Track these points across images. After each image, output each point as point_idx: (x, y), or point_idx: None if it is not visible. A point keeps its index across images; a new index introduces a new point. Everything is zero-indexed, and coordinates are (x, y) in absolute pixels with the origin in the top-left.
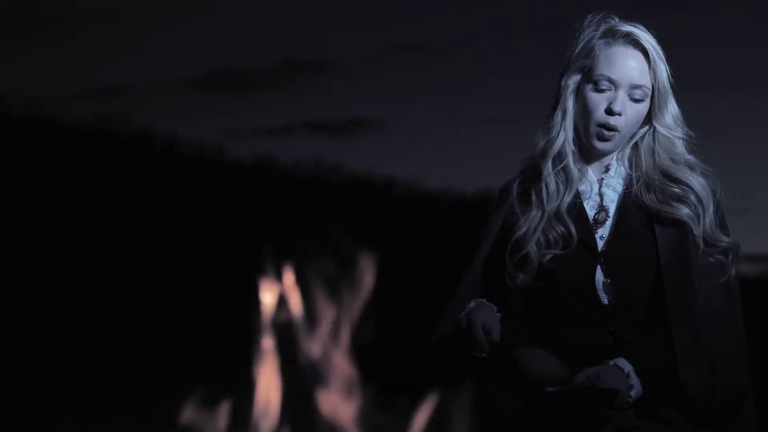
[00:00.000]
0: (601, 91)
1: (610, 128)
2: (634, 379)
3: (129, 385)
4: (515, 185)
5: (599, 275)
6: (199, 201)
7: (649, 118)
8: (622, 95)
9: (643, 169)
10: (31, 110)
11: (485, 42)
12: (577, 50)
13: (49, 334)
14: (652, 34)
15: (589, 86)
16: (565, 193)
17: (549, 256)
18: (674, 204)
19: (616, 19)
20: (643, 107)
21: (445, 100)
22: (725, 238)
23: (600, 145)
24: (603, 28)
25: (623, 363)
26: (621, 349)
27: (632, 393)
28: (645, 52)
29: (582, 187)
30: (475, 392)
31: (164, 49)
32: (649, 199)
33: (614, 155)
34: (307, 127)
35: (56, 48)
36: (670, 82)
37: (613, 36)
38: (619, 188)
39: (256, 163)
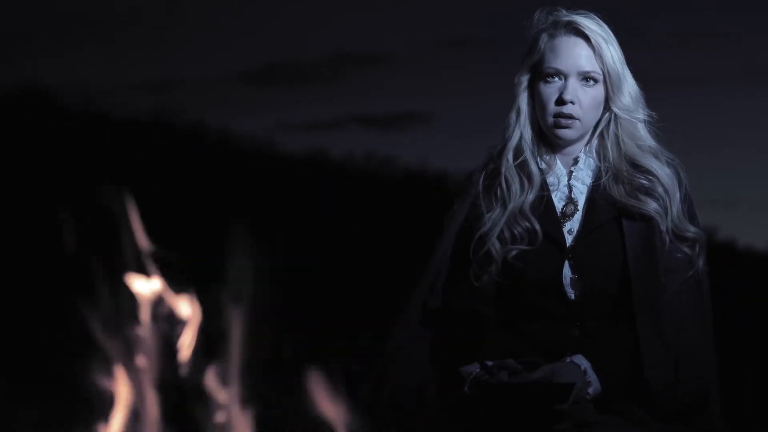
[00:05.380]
0: (552, 83)
1: (566, 116)
2: (592, 376)
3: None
4: (481, 177)
5: (567, 271)
6: (252, 194)
7: (608, 104)
8: (572, 83)
9: (611, 159)
10: (86, 104)
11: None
12: (525, 48)
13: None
14: (599, 17)
15: (540, 80)
16: (528, 190)
17: (514, 252)
18: (642, 198)
19: (563, 11)
20: (598, 92)
21: (496, 93)
22: (692, 228)
23: (561, 134)
24: (549, 21)
25: (580, 360)
26: (587, 344)
27: (590, 390)
28: (588, 39)
29: (550, 179)
30: (431, 388)
31: (218, 44)
32: (618, 191)
33: (582, 147)
34: (359, 121)
35: (111, 42)
36: (623, 63)
37: (555, 27)
38: (588, 181)
39: (308, 156)
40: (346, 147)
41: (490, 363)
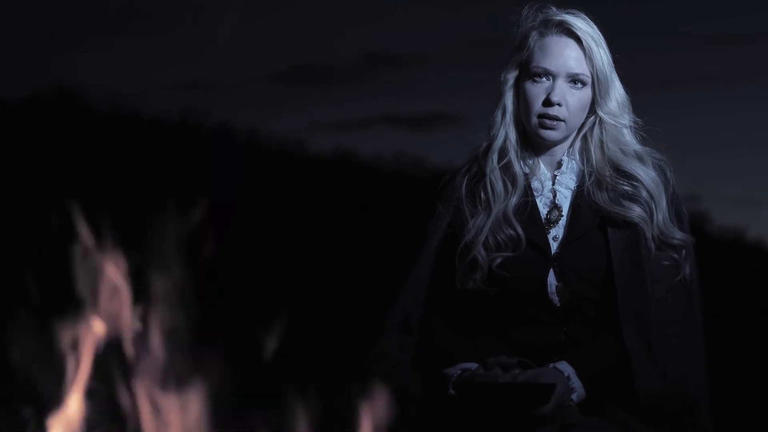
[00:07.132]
0: (539, 82)
1: (551, 118)
2: (576, 383)
3: None
4: (464, 182)
5: (552, 278)
6: (281, 194)
7: (594, 107)
8: (560, 84)
9: (594, 163)
10: (115, 104)
11: None
12: (514, 45)
13: None
14: (590, 19)
15: (528, 79)
16: (512, 193)
17: (499, 260)
18: (626, 204)
19: (553, 9)
20: (585, 95)
21: None
22: (678, 234)
23: (545, 134)
24: (539, 19)
25: (564, 366)
26: (573, 348)
27: (573, 396)
28: (579, 40)
29: (535, 184)
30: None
31: (247, 44)
32: (601, 198)
33: (565, 150)
34: (388, 121)
35: (140, 42)
36: (612, 67)
37: (546, 26)
38: (572, 185)
39: (337, 156)
40: (375, 147)
41: (490, 360)
